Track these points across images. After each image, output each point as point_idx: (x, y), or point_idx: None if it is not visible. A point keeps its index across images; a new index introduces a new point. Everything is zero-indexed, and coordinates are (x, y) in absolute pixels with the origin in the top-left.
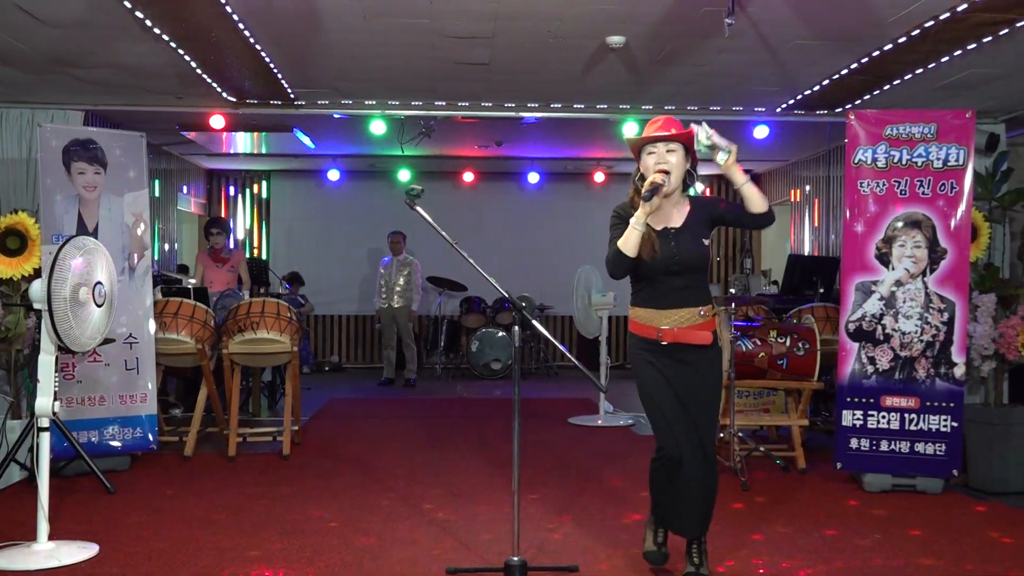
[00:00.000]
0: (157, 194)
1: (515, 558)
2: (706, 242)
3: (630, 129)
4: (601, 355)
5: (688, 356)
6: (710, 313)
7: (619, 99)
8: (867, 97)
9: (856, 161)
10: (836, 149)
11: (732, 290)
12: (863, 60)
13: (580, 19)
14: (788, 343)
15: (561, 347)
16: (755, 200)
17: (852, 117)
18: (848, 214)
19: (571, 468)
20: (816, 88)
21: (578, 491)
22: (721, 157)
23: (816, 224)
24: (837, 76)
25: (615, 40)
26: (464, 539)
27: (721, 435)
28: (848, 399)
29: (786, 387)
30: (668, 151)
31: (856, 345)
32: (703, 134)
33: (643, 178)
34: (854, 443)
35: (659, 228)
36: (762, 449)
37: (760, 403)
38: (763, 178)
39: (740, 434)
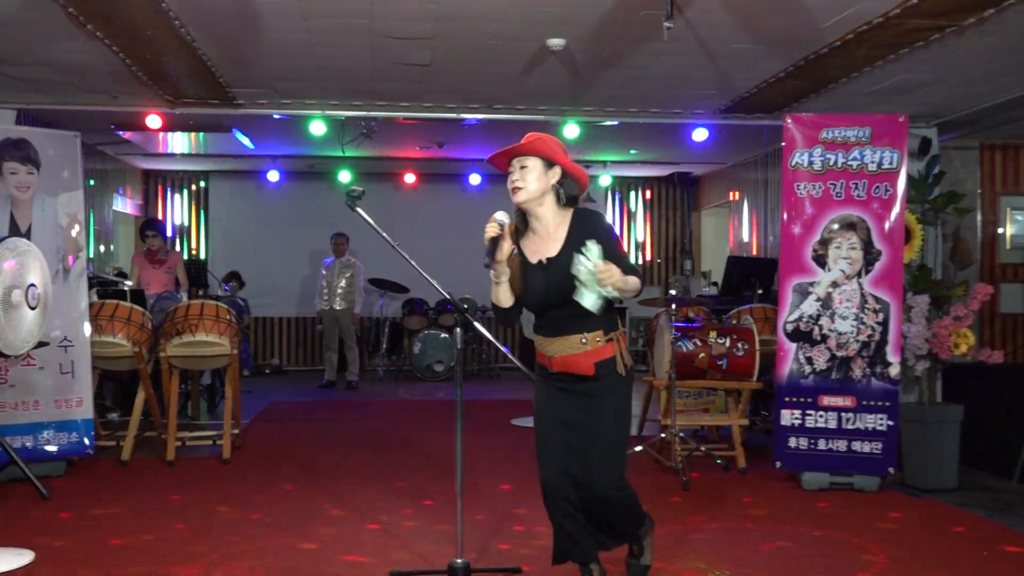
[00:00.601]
0: (92, 195)
1: (459, 560)
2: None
3: (571, 131)
4: None
5: (576, 385)
6: (597, 340)
7: (560, 101)
8: (804, 101)
9: (793, 164)
10: (773, 152)
11: (672, 291)
12: (799, 64)
13: (520, 21)
14: (728, 344)
15: (503, 348)
16: (627, 296)
17: (789, 120)
18: (785, 216)
19: (514, 470)
20: (753, 91)
21: (522, 493)
22: (588, 300)
23: (754, 226)
24: (774, 79)
25: (555, 43)
26: (408, 542)
27: (663, 435)
28: (786, 399)
29: (726, 387)
30: (521, 167)
31: (794, 345)
32: (583, 271)
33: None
34: (792, 442)
35: (534, 260)
36: (703, 449)
37: (700, 403)
38: (702, 180)
39: (681, 434)
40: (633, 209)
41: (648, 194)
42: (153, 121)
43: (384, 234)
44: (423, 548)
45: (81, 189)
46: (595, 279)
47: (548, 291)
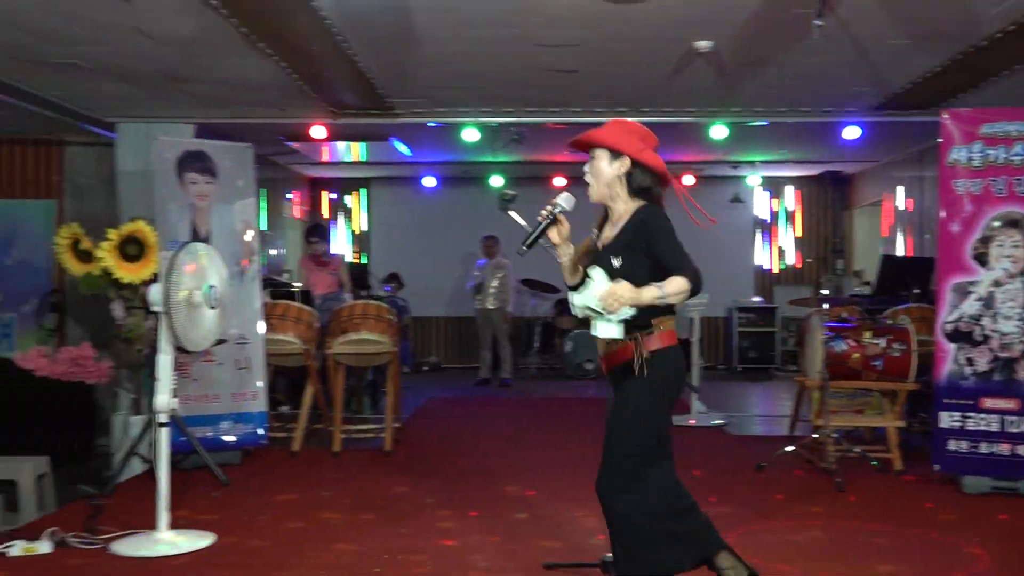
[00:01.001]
0: (264, 202)
1: (610, 555)
2: (616, 263)
3: (719, 132)
4: (693, 355)
5: (616, 379)
6: (633, 336)
7: (707, 102)
8: (961, 96)
9: (950, 161)
10: (929, 149)
11: (824, 291)
12: (957, 58)
13: (667, 24)
14: (883, 344)
15: None
16: (675, 301)
17: (946, 116)
18: (943, 214)
19: None
20: (908, 87)
21: None
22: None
23: (909, 225)
24: (930, 75)
25: (703, 44)
26: (561, 535)
27: (815, 435)
28: (946, 400)
29: (881, 388)
30: (592, 159)
31: (953, 346)
32: (590, 299)
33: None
34: (952, 445)
35: (600, 245)
36: (857, 450)
37: (854, 404)
38: (854, 178)
39: (835, 435)
40: (783, 209)
41: (798, 193)
42: (318, 132)
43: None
44: (576, 541)
45: (254, 197)
46: (599, 308)
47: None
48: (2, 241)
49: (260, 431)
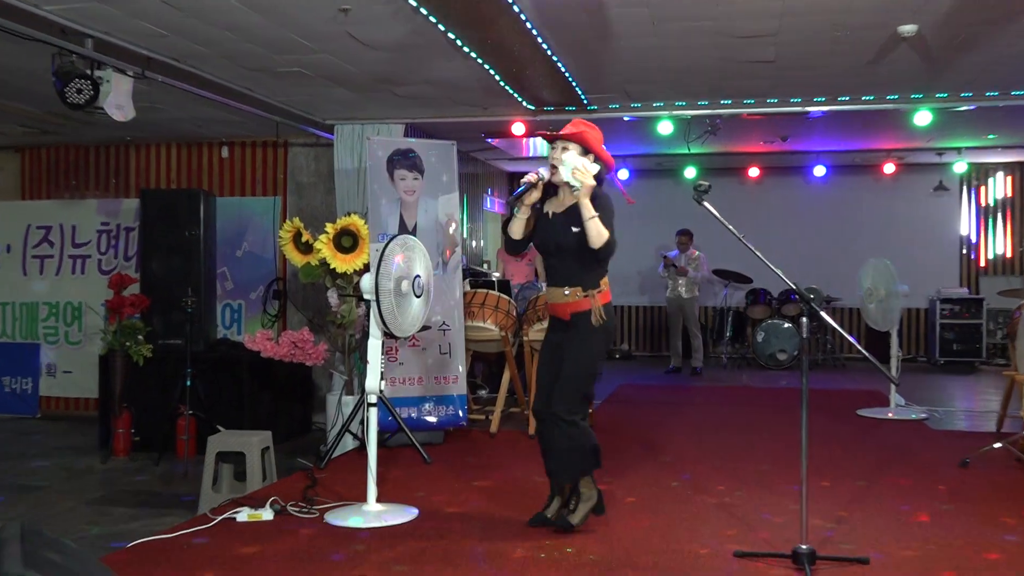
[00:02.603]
0: (465, 196)
1: (803, 546)
2: (574, 229)
3: (923, 118)
4: (892, 346)
5: (559, 328)
6: (576, 294)
7: (911, 88)
8: None
9: None
10: None
11: None
12: None
13: (869, 10)
14: None
15: (850, 338)
16: (591, 236)
17: None
18: None
19: (860, 460)
20: None
21: (867, 483)
22: (574, 189)
23: None
24: None
25: (907, 29)
26: (751, 524)
27: None
28: None
29: None
30: (563, 149)
31: None
32: (567, 170)
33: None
34: None
35: (548, 213)
36: None
37: None
38: None
39: None
40: (992, 197)
41: (1009, 179)
42: (518, 128)
43: (729, 226)
44: (766, 531)
45: (457, 191)
46: (570, 166)
47: (546, 239)
48: (234, 234)
49: (460, 413)
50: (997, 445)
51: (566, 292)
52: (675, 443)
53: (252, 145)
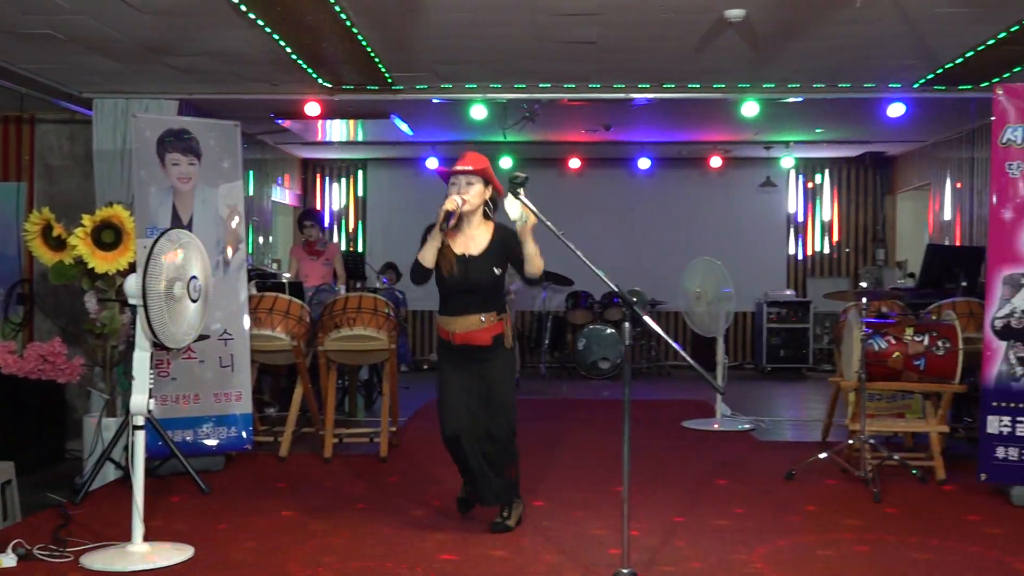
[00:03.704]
0: (251, 185)
1: (624, 570)
2: (497, 271)
3: (750, 109)
4: (718, 353)
5: (474, 354)
6: (493, 319)
7: (738, 77)
8: (1017, 70)
9: (1004, 141)
10: (981, 128)
11: (863, 283)
12: (1013, 29)
13: None
14: (926, 341)
15: (675, 344)
16: (533, 268)
17: (1000, 92)
18: (995, 199)
19: (685, 475)
20: (958, 61)
21: (693, 500)
22: (519, 222)
23: (957, 211)
24: (983, 47)
25: (734, 14)
26: (569, 548)
27: (851, 441)
28: (994, 404)
29: (924, 390)
30: (467, 183)
31: (1003, 344)
32: (514, 206)
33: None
34: (1001, 452)
35: (459, 252)
36: (897, 457)
37: (894, 407)
38: (898, 160)
39: (872, 440)
40: (818, 193)
41: (836, 176)
42: (312, 108)
43: (548, 223)
44: (586, 555)
45: (241, 180)
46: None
47: (465, 280)
48: None
49: (244, 435)
50: (822, 455)
51: (483, 319)
52: None
53: None
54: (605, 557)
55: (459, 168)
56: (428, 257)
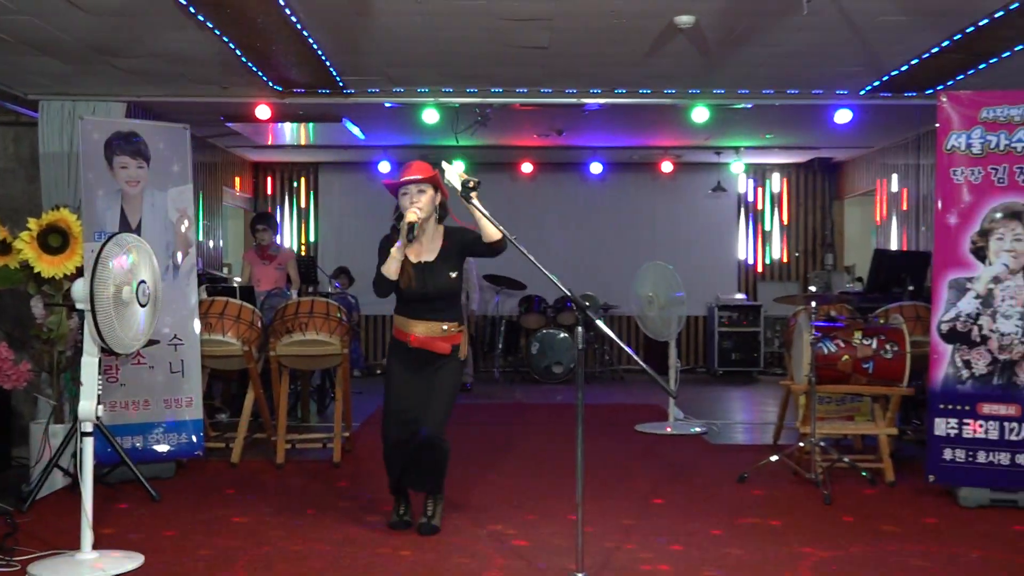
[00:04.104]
0: (201, 188)
1: (579, 574)
2: (453, 275)
3: (700, 114)
4: (670, 357)
5: (429, 360)
6: (453, 329)
7: (688, 83)
8: (961, 77)
9: (948, 147)
10: (926, 134)
11: (812, 288)
12: (956, 37)
13: None
14: (874, 345)
15: (627, 349)
16: (487, 231)
17: (944, 99)
18: (940, 204)
19: (638, 479)
20: (904, 68)
21: (646, 503)
22: (459, 193)
23: (904, 216)
24: (927, 55)
25: (684, 20)
26: (524, 554)
27: (801, 444)
28: (941, 406)
29: (872, 393)
30: (419, 191)
31: (950, 347)
32: (452, 174)
33: (400, 217)
34: (948, 454)
35: (415, 261)
36: (846, 460)
37: (844, 410)
38: (845, 166)
39: (822, 443)
40: (768, 198)
41: (785, 182)
42: (263, 112)
43: (500, 227)
44: (541, 560)
45: (191, 183)
46: (458, 176)
47: (424, 286)
48: None
49: (195, 441)
50: (774, 458)
51: (445, 327)
52: None
53: None
54: (559, 560)
55: (408, 178)
56: (392, 269)
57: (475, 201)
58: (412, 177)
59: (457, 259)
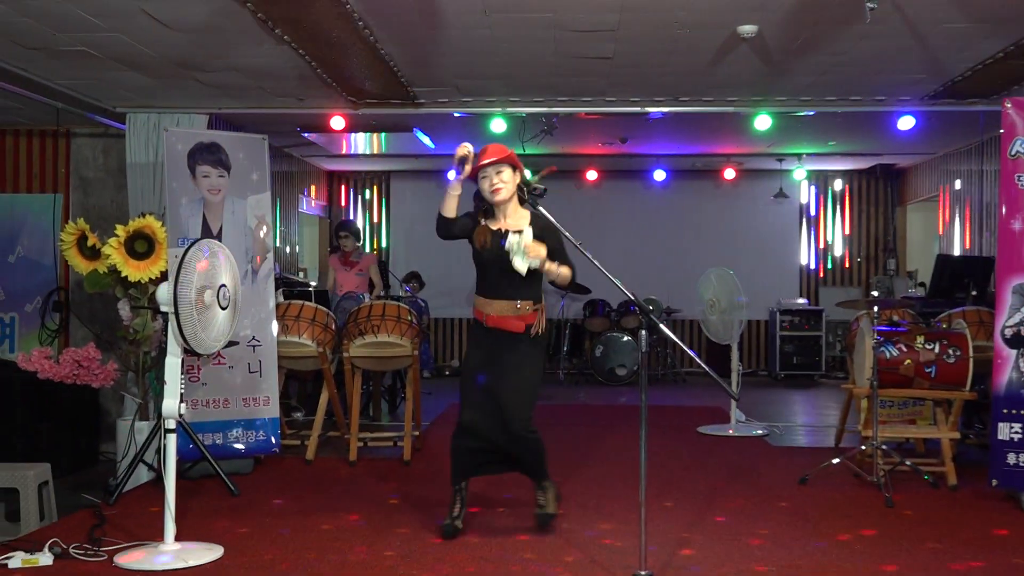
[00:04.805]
0: (278, 196)
1: (642, 572)
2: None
3: (762, 122)
4: (732, 360)
5: (504, 339)
6: (527, 307)
7: (751, 91)
8: None
9: (1013, 153)
10: (990, 140)
11: (874, 292)
12: (1021, 42)
13: (709, 8)
14: (937, 349)
15: (690, 352)
16: (562, 282)
17: (1008, 105)
18: (1003, 210)
19: (700, 480)
20: (967, 74)
21: (708, 505)
22: (518, 263)
23: (967, 222)
24: (992, 60)
25: (747, 29)
26: (588, 552)
27: (863, 447)
28: (1004, 411)
29: (935, 397)
30: (496, 172)
31: (1014, 352)
32: (519, 255)
33: (482, 199)
34: (1012, 458)
35: (494, 227)
36: (908, 463)
37: (906, 414)
38: (908, 172)
39: (884, 447)
40: (830, 204)
41: (847, 188)
42: (337, 122)
43: (566, 233)
44: (604, 558)
45: (269, 191)
46: (522, 249)
47: (504, 255)
48: (5, 237)
49: (272, 439)
50: (835, 461)
51: (518, 305)
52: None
53: (28, 134)
54: (622, 558)
55: (486, 161)
56: (451, 206)
57: (540, 208)
58: (489, 160)
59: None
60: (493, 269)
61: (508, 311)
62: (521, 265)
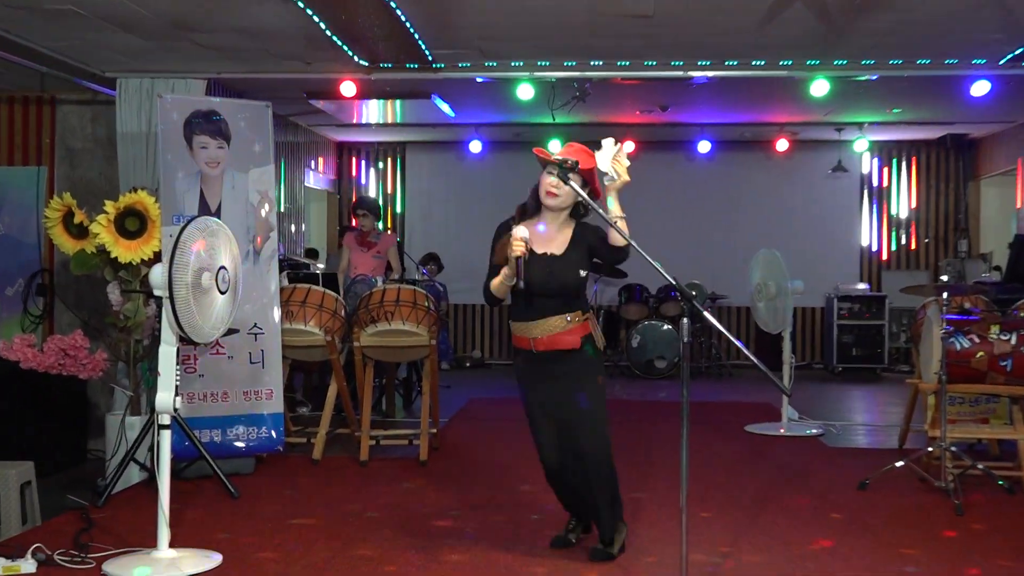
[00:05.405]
0: (283, 170)
1: None
2: (583, 273)
3: (819, 88)
4: (784, 352)
5: (559, 360)
6: (578, 319)
7: (806, 54)
8: None
9: None
10: None
11: (944, 277)
12: None
13: None
14: (1014, 340)
15: (737, 342)
16: (617, 237)
17: None
18: None
19: (748, 485)
20: None
21: (756, 511)
22: (608, 179)
23: None
24: None
25: None
26: (622, 562)
27: (930, 449)
28: None
29: (1011, 393)
30: (567, 180)
31: None
32: (606, 157)
33: (536, 195)
34: None
35: (539, 252)
36: (980, 467)
37: (978, 411)
38: (982, 143)
39: (953, 448)
40: (894, 179)
41: (914, 161)
42: (347, 88)
43: (600, 210)
44: (641, 570)
45: (272, 164)
46: (611, 158)
47: (548, 281)
48: None
49: (275, 436)
50: (899, 464)
51: (568, 319)
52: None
53: (9, 101)
54: (661, 570)
55: (575, 163)
56: (499, 290)
57: (572, 183)
58: (565, 158)
59: (586, 257)
60: (538, 293)
61: (558, 327)
62: (604, 162)
